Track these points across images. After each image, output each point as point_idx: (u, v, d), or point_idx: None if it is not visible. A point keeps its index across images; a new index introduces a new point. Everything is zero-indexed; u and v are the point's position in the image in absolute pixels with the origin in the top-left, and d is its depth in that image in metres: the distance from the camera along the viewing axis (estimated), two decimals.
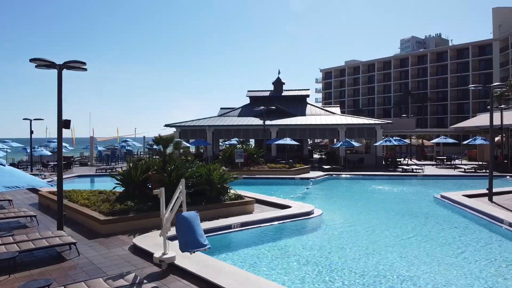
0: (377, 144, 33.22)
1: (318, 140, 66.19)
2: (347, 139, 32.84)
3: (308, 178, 25.68)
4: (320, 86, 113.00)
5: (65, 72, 11.90)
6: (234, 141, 35.38)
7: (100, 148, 47.58)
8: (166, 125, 39.07)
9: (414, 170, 30.57)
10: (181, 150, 16.52)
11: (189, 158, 16.54)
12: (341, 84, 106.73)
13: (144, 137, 50.75)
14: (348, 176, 28.07)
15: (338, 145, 32.07)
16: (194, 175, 14.97)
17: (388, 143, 32.08)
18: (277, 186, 23.43)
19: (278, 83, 46.06)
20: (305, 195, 19.91)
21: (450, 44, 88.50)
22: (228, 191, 15.68)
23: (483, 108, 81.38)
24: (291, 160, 29.26)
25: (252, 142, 51.87)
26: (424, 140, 49.31)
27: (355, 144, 32.85)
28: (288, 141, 32.27)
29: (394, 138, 33.03)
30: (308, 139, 47.48)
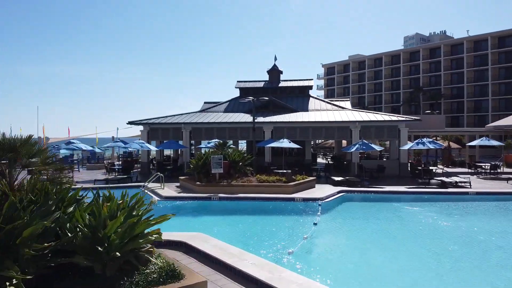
0: (406, 147, 24.82)
1: (320, 141, 57.14)
2: (364, 140, 24.46)
3: (314, 200, 17.29)
4: (322, 82, 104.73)
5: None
6: (212, 143, 26.71)
7: (62, 151, 39.06)
8: (130, 122, 30.65)
9: (458, 184, 22.27)
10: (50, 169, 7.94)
11: (63, 180, 7.96)
12: (344, 80, 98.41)
13: (112, 137, 42.45)
14: (372, 194, 19.64)
15: (353, 148, 23.65)
16: (61, 228, 6.53)
17: (421, 147, 23.69)
18: (268, 217, 15.04)
19: (274, 72, 37.67)
20: (312, 244, 11.13)
21: (466, 35, 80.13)
22: (151, 258, 7.20)
23: (503, 106, 73.16)
24: (289, 171, 20.88)
25: (244, 144, 43.60)
26: (450, 142, 40.91)
27: (376, 147, 24.43)
28: (285, 143, 23.85)
29: (427, 139, 24.62)
30: (311, 140, 38.92)
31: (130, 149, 27.20)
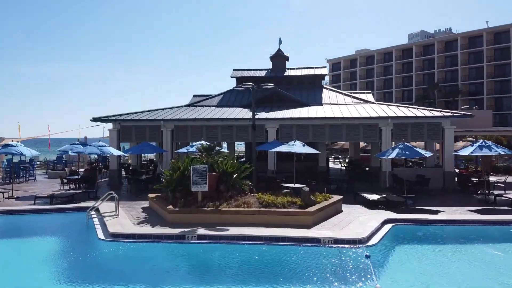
0: (464, 152, 18.02)
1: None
2: (406, 143, 17.65)
3: (353, 242, 10.54)
4: (327, 79, 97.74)
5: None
6: (194, 147, 19.37)
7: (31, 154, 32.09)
8: (95, 119, 23.87)
9: None
10: None
11: None
12: (351, 77, 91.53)
13: (85, 137, 35.73)
14: (437, 225, 12.84)
15: (393, 154, 16.82)
16: None
17: (486, 152, 16.93)
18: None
19: (278, 58, 30.98)
20: None
21: (486, 26, 73.28)
22: None
23: None
24: (306, 188, 13.98)
25: (242, 146, 37.08)
26: None
27: (423, 152, 17.62)
28: (298, 147, 17.03)
29: (491, 142, 17.87)
30: (326, 142, 31.80)
31: (87, 153, 20.34)
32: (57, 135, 44.84)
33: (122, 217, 13.59)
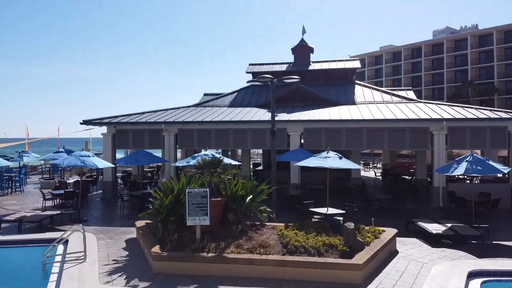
0: None
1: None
2: (477, 155, 13.26)
3: None
4: None
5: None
6: (193, 160, 15.13)
7: (28, 159, 28.64)
8: (86, 122, 20.17)
9: None
10: None
11: None
12: (376, 74, 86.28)
13: (86, 142, 32.30)
14: None
15: (460, 169, 12.47)
16: None
17: None
18: None
19: (302, 50, 26.81)
20: None
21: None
22: None
23: None
24: (350, 224, 9.73)
25: (259, 154, 33.21)
26: None
27: (499, 167, 13.14)
28: (332, 161, 12.79)
29: None
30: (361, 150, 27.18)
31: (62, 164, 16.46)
32: (66, 136, 41.45)
33: (90, 262, 9.68)
